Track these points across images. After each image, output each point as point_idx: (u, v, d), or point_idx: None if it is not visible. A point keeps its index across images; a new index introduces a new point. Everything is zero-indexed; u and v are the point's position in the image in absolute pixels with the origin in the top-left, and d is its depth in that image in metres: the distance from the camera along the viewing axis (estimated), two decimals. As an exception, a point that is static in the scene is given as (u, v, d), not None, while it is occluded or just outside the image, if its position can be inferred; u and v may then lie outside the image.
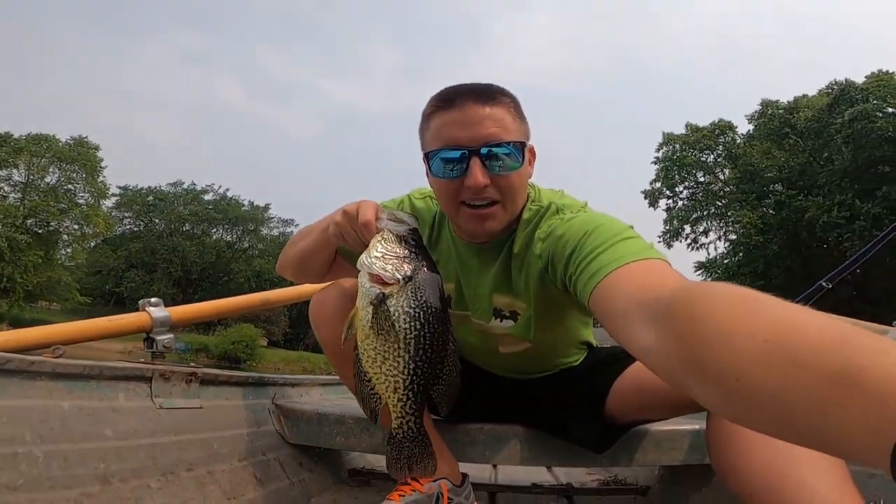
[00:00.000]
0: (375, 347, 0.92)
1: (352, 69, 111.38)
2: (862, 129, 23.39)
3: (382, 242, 0.95)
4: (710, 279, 30.56)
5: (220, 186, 45.85)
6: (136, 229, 43.98)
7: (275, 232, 47.70)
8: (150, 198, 44.11)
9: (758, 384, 0.47)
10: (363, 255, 0.94)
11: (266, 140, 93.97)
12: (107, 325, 1.45)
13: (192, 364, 1.54)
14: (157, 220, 43.77)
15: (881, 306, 22.50)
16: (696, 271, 31.61)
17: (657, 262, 0.86)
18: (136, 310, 1.61)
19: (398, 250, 0.94)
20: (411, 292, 0.92)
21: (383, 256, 0.93)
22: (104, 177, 35.66)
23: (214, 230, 45.54)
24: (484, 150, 1.05)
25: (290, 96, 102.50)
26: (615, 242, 0.93)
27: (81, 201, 34.87)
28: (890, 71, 25.23)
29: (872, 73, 25.37)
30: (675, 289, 0.67)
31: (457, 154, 1.06)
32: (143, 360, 1.44)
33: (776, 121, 28.76)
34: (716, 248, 31.28)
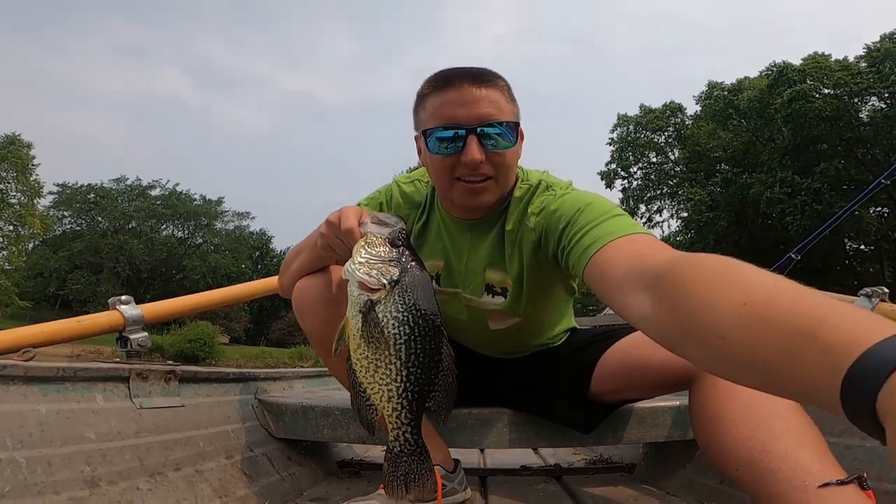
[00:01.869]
0: (367, 356, 0.90)
1: (307, 58, 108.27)
2: (800, 109, 24.20)
3: (366, 248, 0.93)
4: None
5: (169, 181, 44.24)
6: (77, 228, 41.95)
7: (230, 226, 46.54)
8: (92, 195, 42.06)
9: (737, 341, 0.54)
10: (348, 263, 0.92)
11: (217, 133, 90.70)
12: (76, 327, 1.39)
13: (170, 362, 1.49)
14: (100, 219, 41.84)
15: (824, 275, 23.91)
16: (651, 249, 32.59)
17: (646, 237, 0.93)
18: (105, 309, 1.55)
19: (383, 254, 0.92)
20: (399, 296, 0.90)
21: (367, 262, 0.91)
22: (37, 175, 33.87)
23: (164, 226, 44.00)
24: (480, 129, 1.09)
25: (241, 87, 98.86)
26: (606, 219, 0.99)
27: (14, 201, 33.00)
28: (825, 53, 26.19)
29: (809, 56, 26.22)
30: (667, 259, 0.74)
31: (453, 132, 1.10)
32: (118, 359, 1.40)
33: (721, 102, 29.54)
34: (669, 226, 32.41)
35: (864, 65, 25.24)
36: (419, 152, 1.20)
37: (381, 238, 0.94)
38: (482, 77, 1.11)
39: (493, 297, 1.27)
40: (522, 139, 1.18)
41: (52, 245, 40.14)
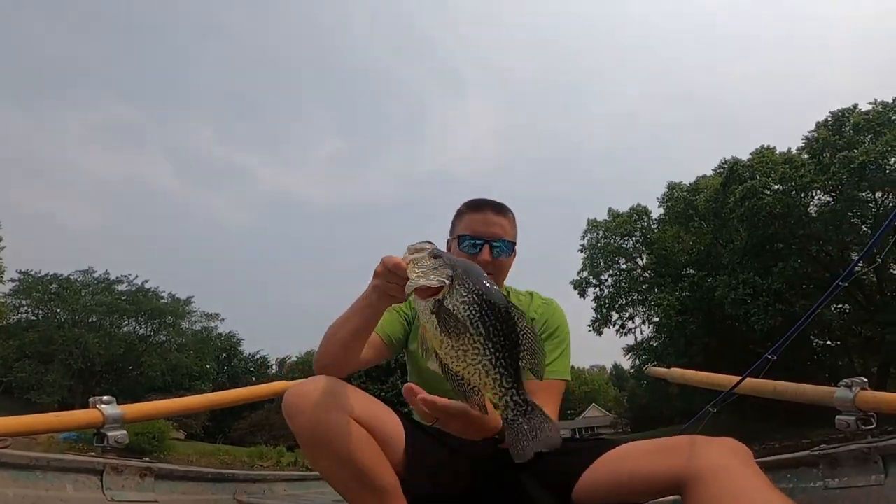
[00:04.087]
0: (453, 346, 1.00)
1: (291, 154, 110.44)
2: (753, 207, 24.74)
3: (416, 266, 1.04)
4: (638, 361, 31.71)
5: (137, 277, 43.21)
6: (33, 318, 40.23)
7: (197, 326, 45.27)
8: (54, 286, 40.81)
9: None
10: (408, 283, 1.03)
11: (195, 228, 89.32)
12: (54, 421, 1.43)
13: (147, 459, 1.45)
14: (58, 310, 40.33)
15: (796, 371, 23.90)
16: (625, 354, 32.78)
17: (562, 384, 1.58)
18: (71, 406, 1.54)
19: (430, 264, 1.04)
20: (459, 285, 1.01)
21: (423, 274, 1.02)
22: (0, 258, 33.02)
23: (126, 323, 42.54)
24: (493, 242, 1.61)
25: (223, 180, 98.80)
26: (563, 350, 1.64)
27: (-29, 285, 31.78)
28: (771, 146, 27.07)
29: (756, 150, 26.98)
30: None
31: (477, 240, 1.61)
32: (93, 453, 1.40)
33: (681, 203, 30.57)
34: (642, 332, 32.52)
35: (805, 156, 26.04)
36: (448, 249, 1.67)
37: (424, 255, 1.05)
38: (500, 209, 1.66)
39: None
40: (515, 255, 1.68)
41: (4, 333, 38.20)
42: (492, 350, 0.99)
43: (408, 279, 1.04)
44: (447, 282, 1.00)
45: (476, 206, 1.67)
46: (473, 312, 0.99)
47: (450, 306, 0.99)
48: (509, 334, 1.01)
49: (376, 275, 1.16)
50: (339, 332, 1.34)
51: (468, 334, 0.99)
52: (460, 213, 1.69)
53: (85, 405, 1.62)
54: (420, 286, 1.00)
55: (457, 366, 1.00)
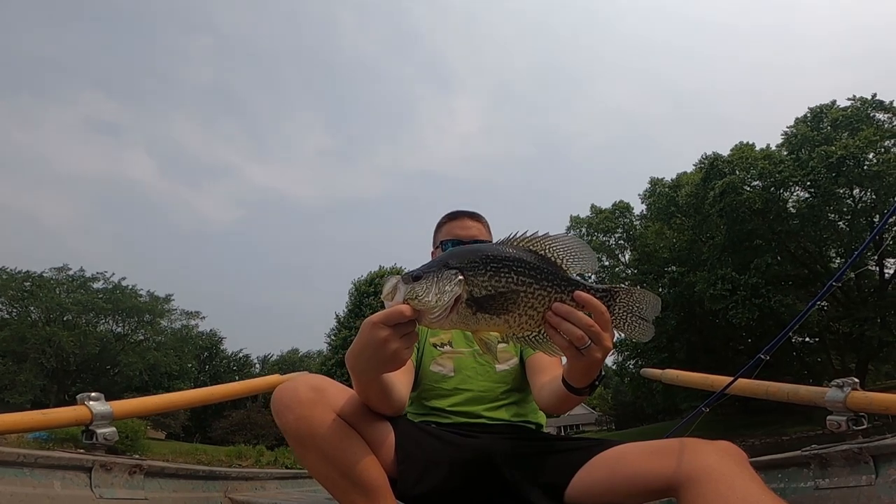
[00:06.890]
0: (518, 314, 0.97)
1: (277, 150, 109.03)
2: (732, 202, 24.99)
3: (418, 300, 0.95)
4: (621, 357, 31.96)
5: (114, 275, 42.45)
6: (6, 317, 39.29)
7: (177, 324, 44.57)
8: (28, 283, 39.88)
9: None
10: (430, 317, 0.96)
11: (177, 225, 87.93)
12: (41, 419, 1.39)
13: (136, 456, 1.42)
14: (32, 308, 39.44)
15: (775, 368, 24.31)
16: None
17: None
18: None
19: (428, 284, 0.95)
20: (469, 270, 0.95)
21: (432, 297, 0.94)
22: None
23: (103, 321, 41.72)
24: (470, 242, 1.70)
25: (207, 177, 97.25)
26: None
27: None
28: (750, 142, 27.34)
29: (735, 146, 27.20)
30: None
31: (458, 243, 1.72)
32: (82, 450, 1.37)
33: (664, 199, 30.65)
34: (625, 328, 32.54)
35: (784, 152, 26.33)
36: (434, 254, 1.82)
37: (414, 285, 0.96)
38: (474, 216, 1.84)
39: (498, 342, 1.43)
40: None
41: (-23, 331, 37.25)
42: (547, 285, 0.96)
43: (419, 310, 0.96)
44: (458, 284, 0.94)
45: (453, 216, 1.86)
46: (504, 274, 0.95)
47: (475, 295, 0.94)
48: (542, 263, 0.98)
49: (384, 340, 1.03)
50: (372, 399, 1.27)
51: (520, 294, 0.95)
52: (440, 225, 1.87)
53: (59, 405, 1.59)
54: (445, 305, 0.93)
55: (532, 326, 0.98)
